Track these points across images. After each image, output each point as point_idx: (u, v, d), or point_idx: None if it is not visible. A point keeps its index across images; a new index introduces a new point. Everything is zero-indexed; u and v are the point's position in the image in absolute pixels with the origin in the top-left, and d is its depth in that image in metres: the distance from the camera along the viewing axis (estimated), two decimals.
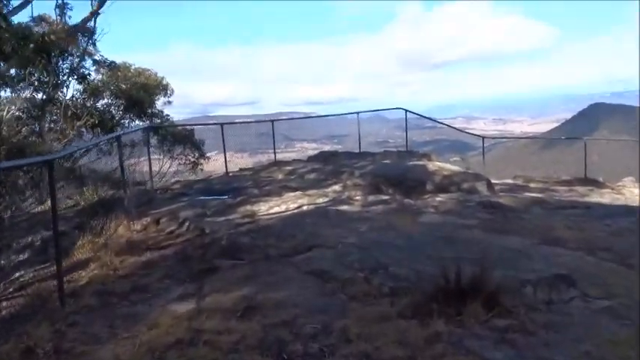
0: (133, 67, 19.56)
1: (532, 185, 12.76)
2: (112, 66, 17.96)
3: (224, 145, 12.43)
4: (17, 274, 6.41)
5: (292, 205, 8.01)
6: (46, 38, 9.60)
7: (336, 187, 9.56)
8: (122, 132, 8.09)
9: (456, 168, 11.81)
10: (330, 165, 12.85)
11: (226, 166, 12.39)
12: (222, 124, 12.41)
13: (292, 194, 8.83)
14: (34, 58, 9.42)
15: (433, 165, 11.61)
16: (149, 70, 19.98)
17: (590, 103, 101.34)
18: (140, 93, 15.68)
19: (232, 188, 10.08)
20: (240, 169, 13.80)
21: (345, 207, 8.06)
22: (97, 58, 17.81)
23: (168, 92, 20.54)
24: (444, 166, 11.70)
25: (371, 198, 9.04)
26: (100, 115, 11.95)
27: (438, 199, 9.14)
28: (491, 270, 4.03)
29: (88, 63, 17.22)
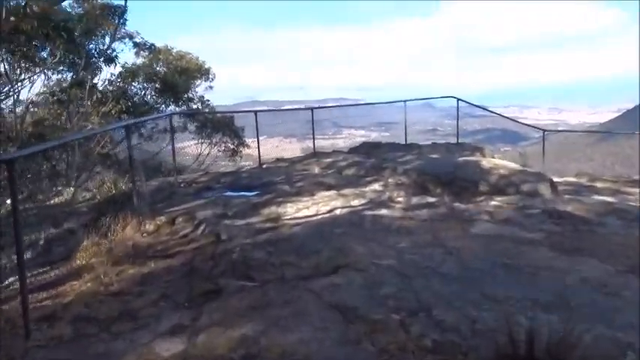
0: (174, 50, 18.94)
1: (599, 185, 11.17)
2: (152, 49, 17.37)
3: (257, 134, 11.48)
4: (10, 280, 5.66)
5: (323, 208, 6.95)
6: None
7: (376, 186, 8.42)
8: (132, 121, 7.21)
9: (513, 165, 10.42)
10: (372, 158, 11.70)
11: (259, 158, 11.44)
12: (255, 112, 11.45)
13: (326, 194, 7.77)
14: (54, 36, 8.72)
15: (487, 161, 10.27)
16: (190, 53, 19.35)
17: None
18: (175, 77, 14.95)
19: (262, 184, 9.12)
20: (277, 160, 12.84)
21: (384, 211, 6.94)
22: (138, 41, 17.29)
23: (210, 77, 19.85)
24: (499, 162, 10.33)
25: (415, 200, 7.87)
26: (127, 99, 11.22)
27: (493, 203, 7.87)
28: (574, 326, 2.87)
29: (128, 45, 16.74)
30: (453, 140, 14.94)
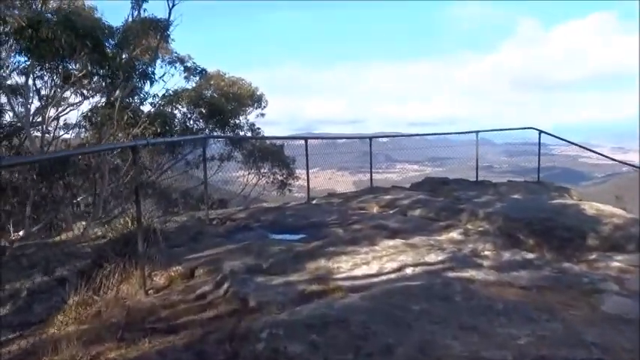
0: (226, 75, 17.79)
1: None
2: (203, 74, 16.27)
3: (307, 165, 9.80)
4: None
5: (389, 265, 5.08)
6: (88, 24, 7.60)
7: (454, 234, 6.47)
8: (143, 141, 5.62)
9: (620, 212, 8.22)
10: (439, 196, 9.77)
11: (308, 191, 9.72)
12: (306, 139, 9.81)
13: (390, 243, 5.89)
14: (77, 45, 7.46)
15: (588, 206, 8.13)
16: (243, 79, 18.16)
17: None
18: (222, 101, 13.62)
19: (309, 224, 7.38)
20: (328, 195, 11.10)
21: (471, 273, 4.99)
22: (189, 65, 16.27)
23: (263, 104, 18.57)
24: (604, 208, 8.16)
25: (507, 255, 5.88)
26: (165, 123, 9.86)
27: (614, 264, 5.78)
28: None
29: (179, 69, 15.76)
30: (512, 178, 12.93)
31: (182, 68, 16.04)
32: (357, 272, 4.91)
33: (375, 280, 4.70)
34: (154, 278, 5.08)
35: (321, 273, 4.92)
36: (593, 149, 13.62)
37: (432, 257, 5.38)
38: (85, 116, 9.88)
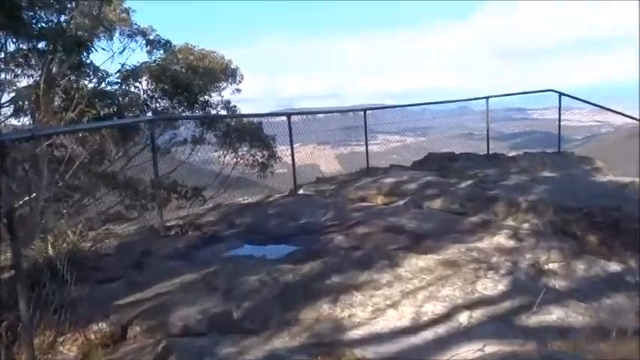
0: (196, 48, 15.48)
1: None
2: (167, 47, 14.00)
3: (292, 151, 7.83)
4: None
5: (429, 308, 3.21)
6: None
7: (500, 239, 4.60)
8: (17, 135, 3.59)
9: None
10: (451, 176, 7.91)
11: (295, 182, 7.78)
12: (288, 115, 7.83)
13: (419, 262, 3.96)
14: None
15: None
16: (214, 52, 15.84)
17: None
18: (187, 75, 11.51)
19: (299, 228, 5.47)
20: (318, 181, 9.18)
21: (557, 313, 3.16)
22: (152, 38, 13.99)
23: (238, 78, 16.32)
24: None
25: (582, 268, 4.09)
26: (112, 103, 7.79)
27: None
28: None
29: (140, 42, 13.54)
30: (499, 145, 11.32)
31: (144, 42, 13.83)
32: (383, 326, 3.03)
33: (416, 341, 2.83)
34: (62, 346, 3.16)
35: (325, 329, 3.04)
36: (612, 109, 11.77)
37: (487, 286, 3.52)
38: (12, 99, 7.75)
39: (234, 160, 14.81)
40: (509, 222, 5.31)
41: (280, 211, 6.28)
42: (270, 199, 7.35)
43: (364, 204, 6.62)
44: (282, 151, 13.44)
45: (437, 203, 6.14)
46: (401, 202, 6.46)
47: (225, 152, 14.35)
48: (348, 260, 4.07)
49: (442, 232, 4.94)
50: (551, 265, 4.12)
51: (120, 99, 8.96)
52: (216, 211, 6.56)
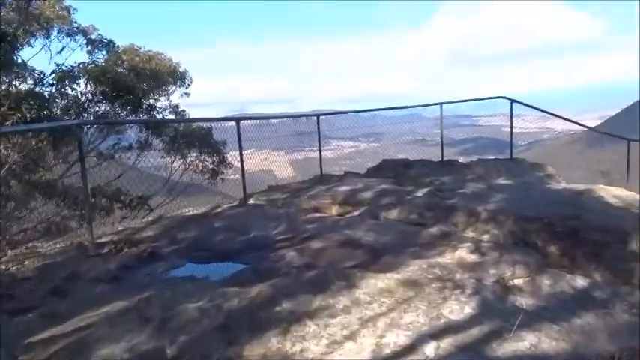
0: (142, 50, 14.66)
1: None
2: (110, 47, 13.17)
3: (241, 157, 7.36)
4: None
5: (391, 338, 2.84)
6: None
7: (462, 253, 4.31)
8: None
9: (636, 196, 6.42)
10: (407, 184, 7.66)
11: (244, 191, 7.30)
12: (237, 120, 7.35)
13: (379, 283, 3.60)
14: None
15: (605, 192, 6.26)
16: (162, 54, 15.07)
17: (638, 100, 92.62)
18: (129, 77, 10.81)
19: (247, 244, 5.02)
20: (269, 189, 8.76)
21: (529, 339, 2.86)
22: (93, 37, 13.14)
23: (187, 82, 15.60)
24: (620, 193, 6.32)
25: (547, 283, 3.84)
26: (40, 107, 7.07)
27: None
28: None
29: (80, 42, 12.74)
30: (450, 152, 11.20)
31: (84, 41, 12.97)
32: None
33: None
34: None
35: None
36: (561, 116, 11.90)
37: (453, 309, 3.19)
38: None
39: (183, 166, 14.14)
40: (470, 233, 5.05)
41: (228, 224, 5.80)
42: (218, 209, 6.85)
43: (318, 215, 6.23)
44: (235, 157, 12.92)
45: (394, 214, 5.82)
46: (356, 213, 6.11)
47: (172, 158, 13.66)
48: (301, 282, 3.66)
49: (401, 245, 4.61)
50: (516, 281, 3.86)
51: (54, 102, 8.22)
52: (158, 224, 5.99)
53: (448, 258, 4.20)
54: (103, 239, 5.32)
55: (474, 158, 10.47)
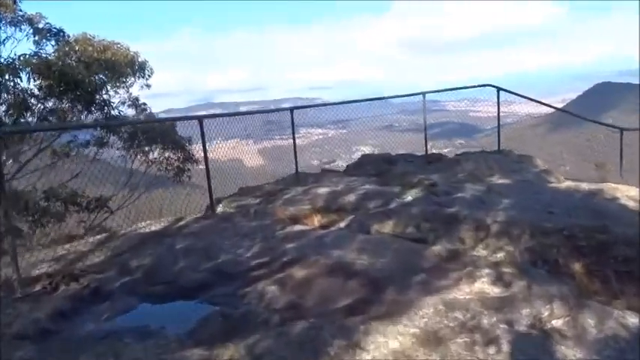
0: (96, 39, 13.28)
1: None
2: (60, 37, 11.82)
3: (206, 159, 6.36)
4: None
5: None
6: None
7: (483, 284, 3.47)
8: None
9: None
10: (394, 184, 6.82)
11: (211, 198, 6.31)
12: (200, 118, 6.33)
13: (387, 341, 2.72)
14: None
15: (620, 192, 5.54)
16: (118, 43, 13.73)
17: (597, 83, 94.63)
18: (79, 70, 9.61)
19: (214, 273, 4.07)
20: (240, 192, 7.77)
21: None
22: (40, 26, 11.77)
23: (147, 72, 14.30)
24: (634, 194, 5.62)
25: (592, 324, 3.05)
26: None
27: None
28: None
29: (26, 31, 11.43)
30: (419, 137, 10.33)
31: (31, 31, 11.61)
32: None
33: None
34: None
35: None
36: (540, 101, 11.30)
37: None
38: None
39: (145, 164, 12.97)
40: (481, 251, 4.22)
41: (192, 245, 4.81)
42: (182, 222, 5.84)
43: (298, 227, 5.30)
44: (200, 151, 11.92)
45: (388, 226, 4.94)
46: (343, 225, 5.23)
47: (132, 156, 12.48)
48: (287, 342, 2.74)
49: (404, 272, 3.74)
50: (554, 323, 3.05)
51: None
52: (107, 246, 4.95)
53: (467, 292, 3.36)
54: (37, 270, 4.28)
55: (459, 151, 9.71)
